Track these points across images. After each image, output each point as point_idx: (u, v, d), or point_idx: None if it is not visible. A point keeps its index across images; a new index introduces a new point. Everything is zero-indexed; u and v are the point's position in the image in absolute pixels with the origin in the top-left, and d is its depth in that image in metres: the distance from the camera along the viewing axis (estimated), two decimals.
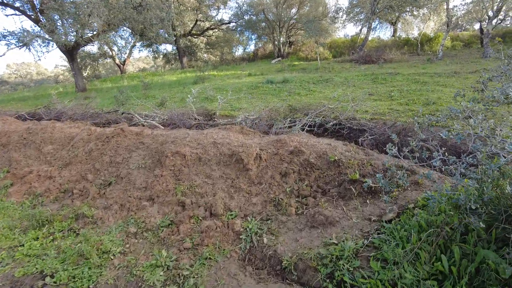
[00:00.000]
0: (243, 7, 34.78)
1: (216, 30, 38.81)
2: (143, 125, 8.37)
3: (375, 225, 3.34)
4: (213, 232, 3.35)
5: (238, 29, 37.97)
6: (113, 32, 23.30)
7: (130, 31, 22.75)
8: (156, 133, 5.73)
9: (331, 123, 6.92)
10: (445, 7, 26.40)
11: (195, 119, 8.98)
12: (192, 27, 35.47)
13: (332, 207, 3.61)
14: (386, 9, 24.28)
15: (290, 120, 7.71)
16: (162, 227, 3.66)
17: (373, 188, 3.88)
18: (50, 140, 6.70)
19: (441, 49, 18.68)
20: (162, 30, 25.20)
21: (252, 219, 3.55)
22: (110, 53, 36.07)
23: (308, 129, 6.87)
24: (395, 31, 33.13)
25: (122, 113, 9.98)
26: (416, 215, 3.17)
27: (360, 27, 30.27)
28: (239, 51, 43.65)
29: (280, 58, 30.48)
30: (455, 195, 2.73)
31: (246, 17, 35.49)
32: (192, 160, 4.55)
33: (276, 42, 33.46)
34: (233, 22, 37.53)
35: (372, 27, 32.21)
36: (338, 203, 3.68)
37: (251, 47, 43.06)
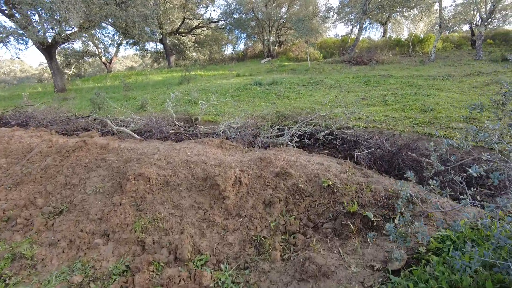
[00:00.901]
0: (232, 5, 33.96)
1: (205, 29, 37.93)
2: (116, 133, 7.58)
3: (379, 276, 2.67)
4: (176, 286, 2.63)
5: (227, 27, 37.16)
6: (96, 30, 22.29)
7: (114, 28, 21.74)
8: (123, 147, 4.97)
9: (323, 133, 6.26)
10: (435, 8, 26.14)
11: (175, 125, 8.23)
12: (180, 25, 34.53)
13: (326, 249, 2.93)
14: (377, 9, 23.82)
15: (278, 129, 7.03)
16: (114, 275, 2.93)
17: (375, 223, 3.22)
18: (5, 152, 5.88)
19: (433, 51, 18.26)
20: (148, 28, 24.28)
21: (226, 267, 2.85)
22: (96, 51, 34.84)
23: (298, 140, 6.19)
24: (385, 31, 32.79)
25: (95, 119, 9.14)
26: (432, 266, 2.51)
27: (350, 27, 29.79)
28: (228, 50, 42.82)
29: (269, 58, 29.79)
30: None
31: (235, 16, 34.69)
32: (158, 184, 3.82)
33: (265, 42, 32.77)
34: (222, 20, 36.70)
35: (363, 27, 31.82)
36: (333, 243, 3.01)
37: (241, 46, 42.30)
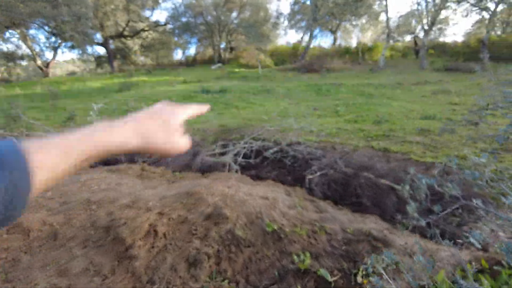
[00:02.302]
0: (180, 9, 32.67)
1: (152, 32, 36.12)
2: None
3: None
4: None
5: (176, 31, 35.71)
6: (23, 29, 19.89)
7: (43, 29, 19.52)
8: None
9: (272, 151, 5.47)
10: (381, 18, 27.14)
11: None
12: (124, 28, 32.46)
13: None
14: (327, 17, 24.05)
15: (222, 145, 6.13)
16: None
17: (332, 285, 2.44)
18: None
19: (382, 59, 18.60)
20: (89, 30, 22.27)
21: None
22: (31, 53, 31.41)
23: (243, 160, 5.34)
24: (335, 39, 33.49)
25: None
26: None
27: (301, 34, 29.97)
28: (179, 55, 41.29)
29: (220, 64, 28.94)
30: None
31: (184, 19, 33.42)
32: (41, 238, 2.74)
33: (216, 47, 31.88)
34: (169, 24, 35.19)
35: (313, 34, 32.18)
36: None
37: (192, 51, 41.04)
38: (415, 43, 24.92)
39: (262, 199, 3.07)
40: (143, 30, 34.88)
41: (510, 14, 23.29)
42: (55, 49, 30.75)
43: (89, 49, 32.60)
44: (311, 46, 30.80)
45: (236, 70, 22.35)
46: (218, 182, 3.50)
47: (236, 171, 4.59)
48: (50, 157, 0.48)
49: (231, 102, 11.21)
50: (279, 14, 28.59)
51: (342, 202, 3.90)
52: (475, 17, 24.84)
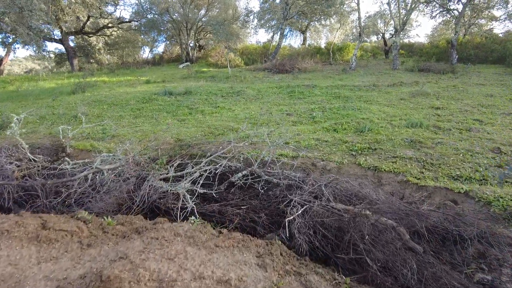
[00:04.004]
0: (145, 5, 30.75)
1: (116, 29, 33.86)
2: None
3: None
4: None
5: (142, 29, 33.69)
6: None
7: None
8: None
9: (240, 174, 4.39)
10: (350, 18, 26.80)
11: (29, 160, 5.62)
12: (84, 24, 30.10)
13: None
14: (298, 16, 23.28)
15: (179, 165, 4.98)
16: None
17: None
18: None
19: (354, 59, 18.02)
20: (43, 24, 20.16)
21: None
22: None
23: (202, 190, 4.22)
24: (304, 39, 32.88)
25: None
26: None
27: (272, 33, 29.05)
28: (146, 53, 39.19)
29: (188, 63, 27.43)
30: None
31: (149, 16, 31.51)
32: None
33: (184, 45, 30.30)
34: (134, 21, 33.13)
35: (284, 34, 31.39)
36: None
37: (160, 49, 39.06)
38: (384, 43, 24.72)
39: (220, 285, 1.98)
40: (106, 26, 32.57)
41: (473, 16, 23.60)
42: (7, 45, 27.80)
43: (43, 45, 29.85)
44: (282, 45, 30.05)
45: (204, 69, 21.02)
46: (156, 246, 2.36)
47: (188, 218, 3.46)
48: None
49: (196, 106, 10.01)
50: (249, 12, 27.48)
51: (336, 257, 2.90)
52: (439, 19, 24.87)
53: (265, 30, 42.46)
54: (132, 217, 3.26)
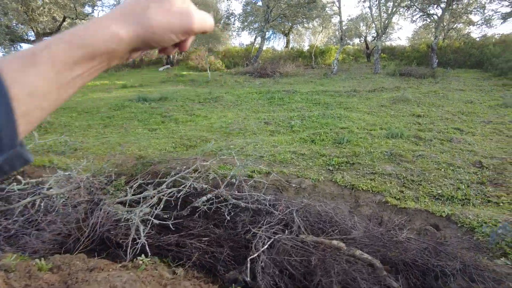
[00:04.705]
0: None
1: None
2: None
3: None
4: None
5: None
6: None
7: None
8: None
9: (205, 198, 3.98)
10: (332, 21, 26.74)
11: None
12: (60, 25, 29.06)
13: None
14: (279, 18, 23.04)
15: (139, 186, 4.52)
16: None
17: None
18: None
19: (335, 63, 17.86)
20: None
21: None
22: None
23: (164, 214, 3.79)
24: (287, 42, 32.71)
25: None
26: None
27: (254, 36, 28.74)
28: None
29: (169, 66, 26.81)
30: None
31: None
32: None
33: None
34: None
35: (266, 37, 31.13)
36: None
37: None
38: (366, 46, 24.77)
39: None
40: None
41: (451, 20, 23.91)
42: None
43: (10, 46, 28.52)
44: (265, 48, 29.76)
45: (184, 72, 20.45)
46: None
47: (139, 256, 3.02)
48: (30, 77, 0.38)
49: (170, 114, 9.53)
50: (230, 15, 27.10)
51: None
52: (420, 23, 25.15)
53: (248, 33, 42.22)
54: (72, 258, 2.81)
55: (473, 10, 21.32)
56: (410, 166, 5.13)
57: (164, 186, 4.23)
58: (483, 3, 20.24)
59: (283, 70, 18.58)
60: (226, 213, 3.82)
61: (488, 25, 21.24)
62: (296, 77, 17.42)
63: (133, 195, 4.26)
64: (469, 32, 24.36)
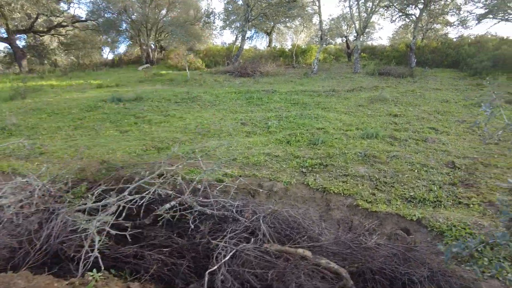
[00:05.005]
0: (102, 4, 29.13)
1: (72, 28, 31.85)
2: None
3: None
4: None
5: (101, 28, 31.92)
6: None
7: None
8: None
9: (169, 205, 3.77)
10: (314, 21, 26.79)
11: None
12: (34, 22, 28.04)
13: None
14: (260, 17, 22.89)
15: (104, 191, 4.27)
16: None
17: None
18: None
19: (316, 63, 17.85)
20: None
21: None
22: None
23: (126, 223, 3.57)
24: (270, 41, 32.61)
25: None
26: None
27: (236, 35, 28.52)
28: (107, 54, 37.33)
29: (148, 65, 26.26)
30: None
31: (108, 15, 29.91)
32: None
33: (144, 47, 29.03)
34: (91, 20, 31.32)
35: (248, 36, 30.93)
36: None
37: (121, 50, 37.32)
38: (347, 45, 24.92)
39: None
40: (60, 25, 30.55)
41: (429, 21, 24.33)
42: None
43: None
44: (247, 47, 29.54)
45: (163, 72, 20.03)
46: None
47: (94, 269, 2.80)
48: None
49: (144, 115, 9.23)
50: (209, 13, 26.77)
51: None
52: (399, 23, 25.50)
53: (231, 32, 41.97)
54: (13, 276, 2.56)
55: (450, 11, 21.72)
56: (383, 168, 5.06)
57: (126, 192, 4.00)
58: (459, 4, 20.64)
59: (264, 69, 18.43)
60: (190, 221, 3.62)
61: (464, 26, 21.68)
62: (277, 77, 17.31)
63: (94, 202, 4.02)
64: (446, 33, 24.82)
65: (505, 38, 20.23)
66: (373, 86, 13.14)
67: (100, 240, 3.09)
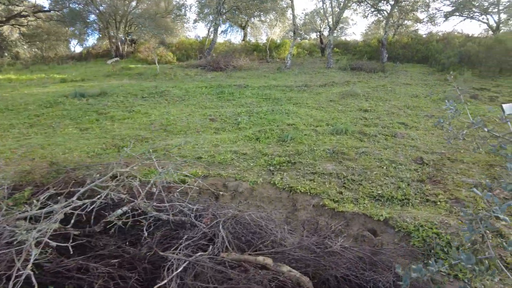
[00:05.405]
0: None
1: (33, 19, 30.10)
2: None
3: None
4: None
5: (67, 20, 30.33)
6: None
7: None
8: None
9: (120, 211, 3.45)
10: (288, 15, 26.64)
11: None
12: None
13: None
14: (233, 11, 22.47)
15: (51, 196, 3.88)
16: None
17: None
18: None
19: (289, 57, 17.71)
20: None
21: None
22: None
23: (74, 231, 3.22)
24: (245, 35, 32.20)
25: None
26: None
27: (211, 28, 27.89)
28: (75, 47, 35.66)
29: (118, 58, 25.27)
30: None
31: (73, 6, 28.48)
32: None
33: (113, 39, 27.89)
34: (54, 10, 29.73)
35: (222, 29, 30.44)
36: None
37: (90, 43, 35.75)
38: (321, 40, 24.98)
39: None
40: (20, 15, 28.77)
41: (400, 17, 24.76)
42: None
43: None
44: (222, 41, 29.04)
45: (132, 66, 19.25)
46: None
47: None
48: None
49: (107, 111, 8.72)
50: (180, 5, 26.05)
51: None
52: (371, 19, 25.80)
53: (205, 25, 41.10)
54: None
55: (419, 8, 22.16)
56: (351, 165, 4.94)
57: (75, 197, 3.64)
58: (427, 1, 21.07)
59: (237, 63, 18.10)
60: (145, 228, 3.33)
61: (432, 22, 22.21)
62: (250, 71, 17.03)
63: (40, 208, 3.63)
64: (417, 29, 25.34)
65: (470, 35, 20.87)
66: (345, 81, 13.14)
67: (36, 254, 2.74)
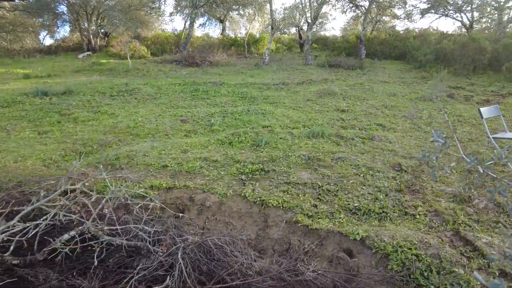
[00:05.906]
0: None
1: None
2: None
3: None
4: None
5: (33, 10, 28.71)
6: None
7: None
8: None
9: (68, 236, 3.03)
10: (267, 9, 26.21)
11: None
12: None
13: None
14: (211, 4, 21.84)
15: None
16: None
17: None
18: None
19: (267, 53, 17.36)
20: None
21: None
22: None
23: (13, 260, 2.79)
24: (223, 29, 31.53)
25: None
26: None
27: (188, 22, 27.07)
28: (45, 40, 33.87)
29: (90, 52, 24.14)
30: None
31: None
32: None
33: (85, 32, 26.64)
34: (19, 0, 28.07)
35: (200, 23, 29.69)
36: None
37: (62, 35, 33.99)
38: (300, 36, 24.73)
39: None
40: None
41: (379, 13, 24.82)
42: None
43: None
44: (200, 35, 28.33)
45: (104, 61, 18.36)
46: None
47: None
48: None
49: (70, 112, 8.11)
50: None
51: None
52: (350, 14, 25.76)
53: (182, 18, 40.12)
54: None
55: (396, 4, 22.24)
56: (327, 172, 4.67)
57: (15, 220, 3.19)
58: None
59: (214, 59, 17.58)
60: (96, 255, 2.93)
61: (409, 19, 22.36)
62: (227, 67, 16.57)
63: None
64: (394, 25, 25.49)
65: (445, 32, 21.16)
66: (323, 78, 12.93)
67: None
